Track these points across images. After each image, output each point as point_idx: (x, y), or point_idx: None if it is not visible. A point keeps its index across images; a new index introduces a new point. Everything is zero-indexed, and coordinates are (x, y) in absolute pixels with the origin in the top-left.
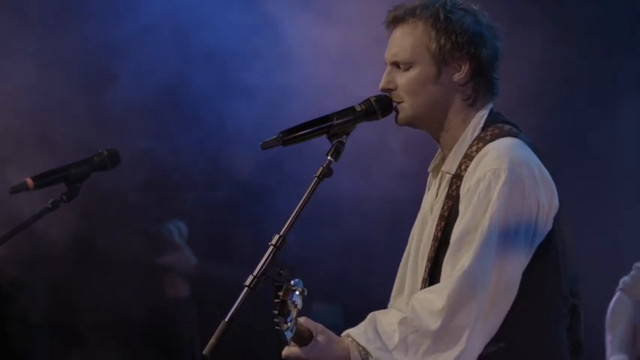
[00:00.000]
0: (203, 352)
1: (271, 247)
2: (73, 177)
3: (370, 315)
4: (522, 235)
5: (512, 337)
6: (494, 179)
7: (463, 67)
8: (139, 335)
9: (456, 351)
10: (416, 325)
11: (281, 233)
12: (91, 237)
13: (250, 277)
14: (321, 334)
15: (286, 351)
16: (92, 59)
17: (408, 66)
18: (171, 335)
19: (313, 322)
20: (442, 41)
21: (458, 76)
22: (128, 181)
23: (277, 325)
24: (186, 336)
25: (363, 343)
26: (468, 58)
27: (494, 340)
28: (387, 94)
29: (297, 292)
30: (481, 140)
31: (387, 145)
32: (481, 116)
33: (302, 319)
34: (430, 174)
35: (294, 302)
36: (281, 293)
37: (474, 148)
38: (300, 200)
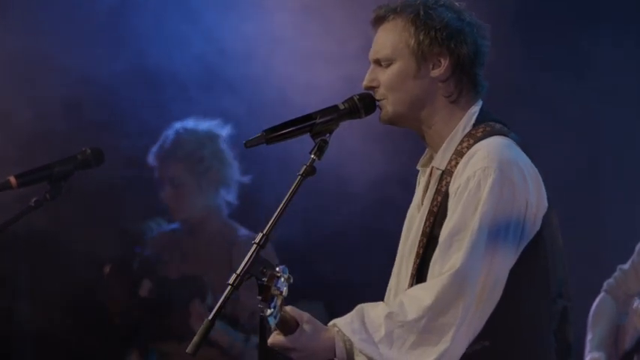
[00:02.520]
0: (187, 351)
1: (254, 246)
2: (57, 175)
3: (358, 307)
4: (511, 234)
5: (498, 336)
6: (483, 178)
7: (443, 63)
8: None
9: (440, 348)
10: (402, 320)
11: (264, 232)
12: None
13: (234, 276)
14: (307, 323)
15: (272, 339)
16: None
17: (389, 62)
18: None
19: (299, 310)
20: (421, 37)
21: (437, 72)
22: (109, 178)
23: (261, 312)
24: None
25: (348, 334)
26: (448, 53)
27: (479, 338)
28: (371, 92)
29: (283, 279)
30: (472, 137)
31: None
32: (472, 113)
33: (288, 308)
34: (420, 170)
35: (278, 288)
36: (265, 279)
37: (465, 144)
38: (283, 199)
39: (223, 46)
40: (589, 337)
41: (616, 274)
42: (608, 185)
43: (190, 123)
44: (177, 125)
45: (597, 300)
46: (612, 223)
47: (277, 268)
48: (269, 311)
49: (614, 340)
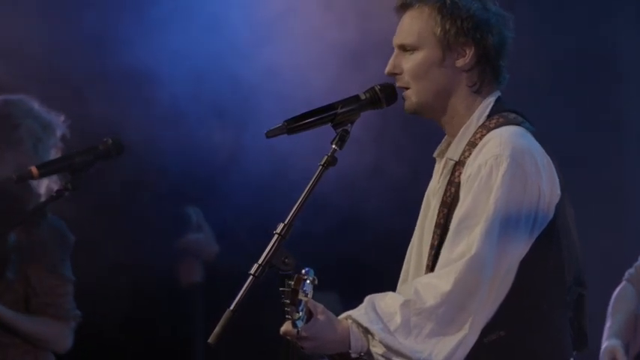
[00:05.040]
0: (208, 341)
1: (276, 236)
2: (78, 165)
3: (368, 297)
4: (523, 222)
5: (513, 326)
6: (495, 166)
7: (468, 53)
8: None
9: (459, 336)
10: (419, 308)
11: (286, 222)
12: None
13: (255, 266)
14: (322, 313)
15: (285, 327)
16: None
17: (414, 49)
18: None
19: (313, 301)
20: (447, 26)
21: (462, 62)
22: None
23: (288, 314)
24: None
25: (365, 324)
26: (473, 43)
27: (494, 328)
28: (393, 82)
29: (309, 281)
30: (485, 128)
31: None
32: (487, 104)
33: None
34: (436, 160)
35: (305, 291)
36: (292, 282)
37: (478, 135)
38: (304, 189)
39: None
40: (607, 324)
41: (637, 263)
42: (634, 172)
43: None
44: None
45: (618, 288)
46: (636, 212)
47: (303, 271)
48: (297, 315)
49: (633, 328)
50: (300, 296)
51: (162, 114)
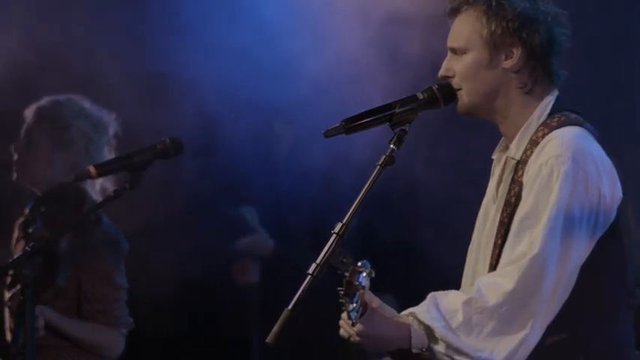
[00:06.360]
0: (266, 340)
1: (334, 236)
2: (136, 165)
3: (430, 295)
4: (584, 224)
5: (575, 328)
6: (556, 166)
7: (515, 53)
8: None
9: (520, 335)
10: (481, 306)
11: (344, 221)
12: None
13: (313, 266)
14: (379, 307)
15: (342, 321)
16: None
17: (463, 52)
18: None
19: (371, 294)
20: (493, 27)
21: (510, 62)
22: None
23: (343, 306)
24: (254, 321)
25: (427, 322)
26: (520, 43)
27: (557, 330)
28: (449, 82)
29: (364, 274)
30: (547, 126)
31: None
32: (547, 103)
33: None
34: (494, 160)
35: (360, 283)
36: (348, 274)
37: (540, 133)
38: (362, 188)
39: None
40: None
41: None
42: None
43: None
44: None
45: None
46: None
47: (359, 263)
48: (352, 306)
49: None
50: (355, 288)
51: (216, 115)
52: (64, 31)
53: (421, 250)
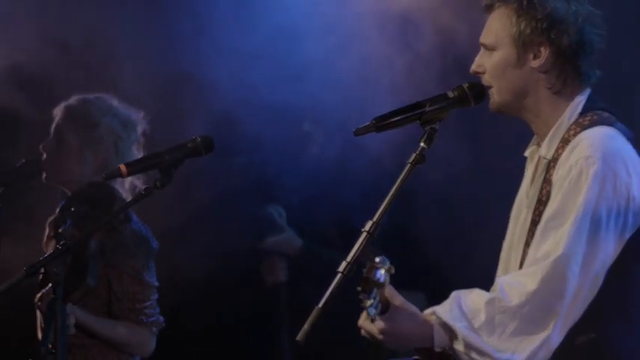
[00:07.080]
0: (297, 338)
1: (364, 234)
2: (167, 163)
3: (454, 293)
4: (612, 226)
5: (603, 328)
6: (586, 167)
7: (543, 53)
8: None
9: (542, 335)
10: (504, 306)
11: (374, 219)
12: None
13: (343, 264)
14: (401, 305)
15: (361, 320)
16: None
17: (493, 49)
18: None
19: (393, 290)
20: (522, 26)
21: (538, 62)
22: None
23: (361, 303)
24: (282, 320)
25: (450, 322)
26: (548, 43)
27: (585, 330)
28: (480, 80)
29: (383, 270)
30: (579, 125)
31: None
32: (578, 102)
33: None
34: (527, 158)
35: (377, 279)
36: (365, 270)
37: (572, 132)
38: (392, 187)
39: None
40: None
41: None
42: None
43: None
44: None
45: None
46: None
47: (377, 259)
48: (369, 302)
49: None
50: (373, 284)
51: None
52: (87, 32)
53: (458, 250)
